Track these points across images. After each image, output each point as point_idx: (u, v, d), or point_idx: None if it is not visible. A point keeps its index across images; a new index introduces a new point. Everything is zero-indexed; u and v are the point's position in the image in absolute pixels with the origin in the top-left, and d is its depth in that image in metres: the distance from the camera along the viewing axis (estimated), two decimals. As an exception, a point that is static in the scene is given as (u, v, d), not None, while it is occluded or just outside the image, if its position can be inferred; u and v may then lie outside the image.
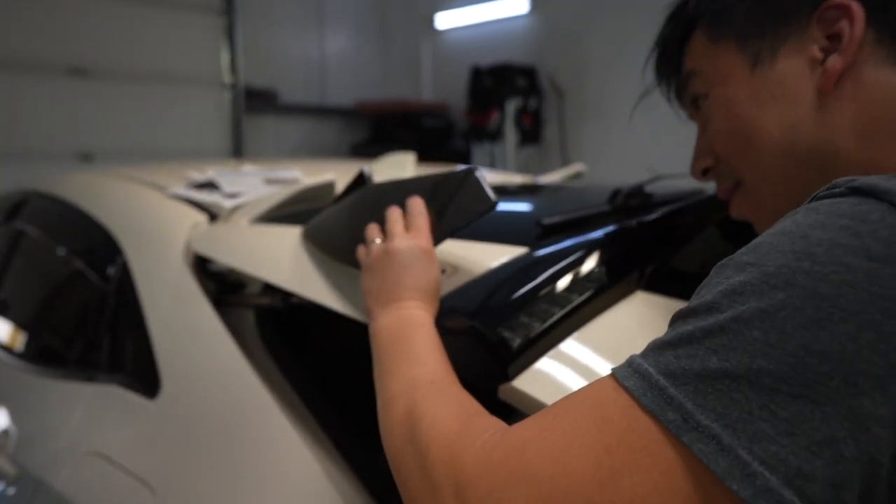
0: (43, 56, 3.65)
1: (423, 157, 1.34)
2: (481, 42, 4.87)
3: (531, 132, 4.38)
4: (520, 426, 0.35)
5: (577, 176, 1.45)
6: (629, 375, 0.32)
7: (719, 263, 0.34)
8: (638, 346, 0.41)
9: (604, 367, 0.52)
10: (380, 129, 5.04)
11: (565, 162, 4.12)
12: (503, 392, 0.53)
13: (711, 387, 0.29)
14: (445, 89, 5.10)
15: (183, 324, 0.82)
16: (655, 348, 0.33)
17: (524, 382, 0.51)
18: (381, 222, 0.63)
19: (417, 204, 0.61)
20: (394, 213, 0.62)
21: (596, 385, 0.34)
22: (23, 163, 3.53)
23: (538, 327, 0.53)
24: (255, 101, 4.59)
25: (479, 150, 4.52)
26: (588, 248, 0.60)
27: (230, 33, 4.42)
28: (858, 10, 0.43)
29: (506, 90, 4.30)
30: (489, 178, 1.47)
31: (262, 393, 0.71)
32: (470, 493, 0.33)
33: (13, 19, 3.52)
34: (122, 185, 1.17)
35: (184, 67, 4.26)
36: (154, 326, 0.84)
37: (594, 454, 0.31)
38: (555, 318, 0.53)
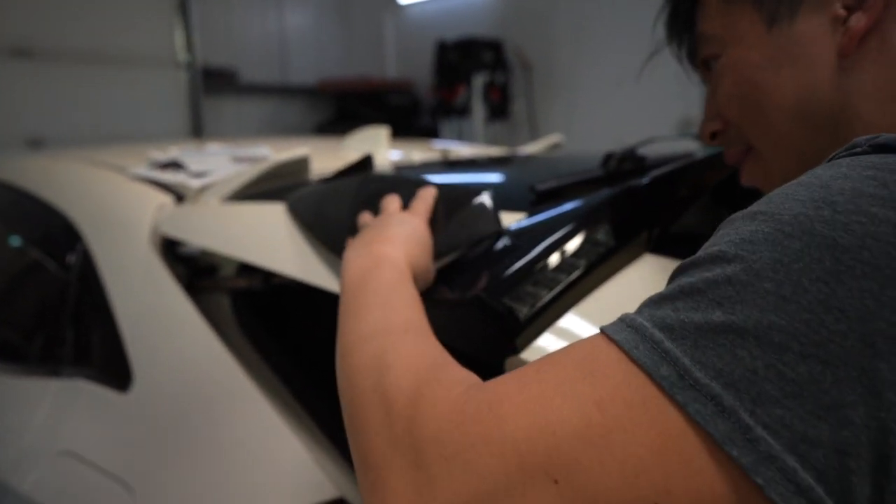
0: None
1: (391, 135, 1.30)
2: (445, 16, 4.79)
3: (499, 107, 4.35)
4: (496, 381, 0.31)
5: (556, 147, 1.43)
6: (620, 329, 0.29)
7: (728, 218, 0.32)
8: None
9: None
10: (344, 107, 4.93)
11: (534, 137, 4.11)
12: (511, 366, 0.50)
13: (713, 341, 0.26)
14: (410, 65, 5.01)
15: (153, 311, 0.77)
16: (651, 303, 0.30)
17: (534, 354, 0.49)
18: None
19: (429, 191, 0.59)
20: (391, 198, 0.60)
21: (582, 341, 0.31)
22: None
23: (546, 296, 0.50)
24: (214, 81, 4.43)
25: (446, 127, 4.47)
26: (591, 212, 0.58)
27: (184, 10, 4.23)
28: None
29: (472, 65, 4.25)
30: (463, 151, 1.44)
31: (242, 379, 0.68)
32: (434, 451, 0.28)
33: None
34: (78, 168, 1.10)
35: (136, 46, 4.07)
36: (122, 316, 0.79)
37: (582, 409, 0.27)
38: (562, 285, 0.51)
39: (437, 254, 0.56)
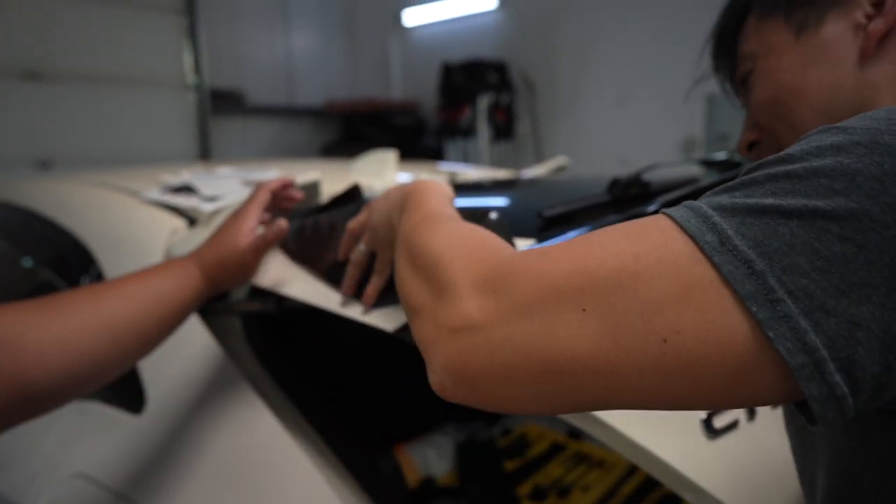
0: None
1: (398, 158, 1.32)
2: (450, 38, 4.86)
3: (504, 128, 4.38)
4: (546, 244, 0.36)
5: (561, 169, 1.44)
6: (678, 210, 0.32)
7: (805, 134, 0.34)
8: None
9: None
10: (350, 128, 4.98)
11: (539, 157, 4.14)
12: None
13: (759, 219, 0.29)
14: (416, 87, 5.07)
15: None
16: (713, 193, 0.32)
17: None
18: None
19: None
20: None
21: (641, 217, 0.34)
22: None
23: None
24: (222, 102, 4.49)
25: (451, 147, 4.50)
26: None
27: (192, 33, 4.31)
28: None
29: (477, 86, 4.30)
30: (469, 173, 1.45)
31: (254, 402, 0.68)
32: (498, 280, 0.34)
33: None
34: (91, 191, 1.12)
35: (145, 69, 4.14)
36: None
37: (619, 258, 0.31)
38: None
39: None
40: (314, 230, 0.74)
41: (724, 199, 0.31)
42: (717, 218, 0.30)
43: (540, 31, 4.34)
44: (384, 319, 0.58)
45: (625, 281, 0.30)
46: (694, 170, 1.09)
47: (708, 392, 0.29)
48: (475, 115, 4.30)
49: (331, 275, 0.65)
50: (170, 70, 4.27)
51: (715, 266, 0.29)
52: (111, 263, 0.90)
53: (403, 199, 0.52)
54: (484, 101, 4.27)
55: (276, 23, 4.99)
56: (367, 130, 4.74)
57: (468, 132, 4.37)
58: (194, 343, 0.74)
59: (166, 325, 0.61)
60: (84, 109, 3.84)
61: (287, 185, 0.74)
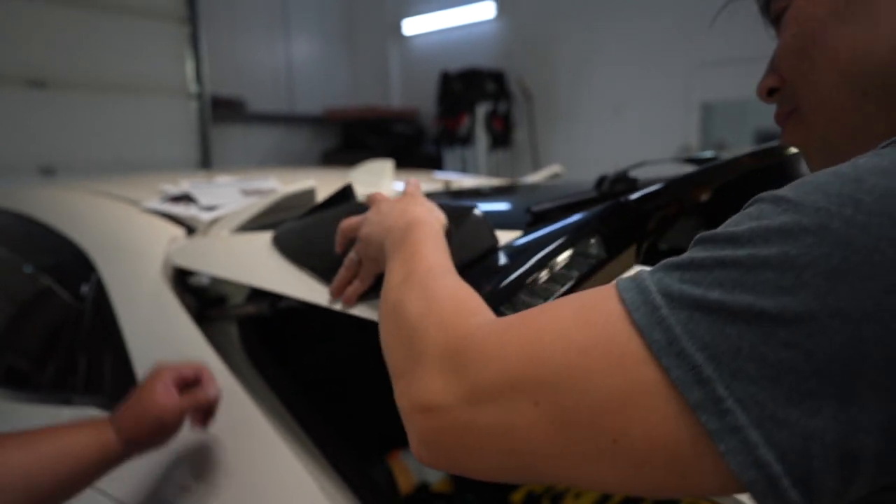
0: (0, 68, 3.53)
1: (396, 164, 1.33)
2: (449, 47, 4.89)
3: (502, 136, 4.41)
4: (509, 316, 0.37)
5: (555, 177, 1.46)
6: (629, 287, 0.32)
7: (758, 196, 0.32)
8: None
9: None
10: (350, 136, 5.01)
11: (536, 165, 4.16)
12: None
13: (706, 317, 0.28)
14: (415, 95, 5.10)
15: (164, 341, 0.80)
16: (665, 267, 0.32)
17: None
18: None
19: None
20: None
21: (595, 290, 0.34)
22: None
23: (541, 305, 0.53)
24: (223, 110, 4.53)
25: (450, 155, 4.53)
26: (582, 227, 0.60)
27: (194, 41, 4.34)
28: None
29: (475, 94, 4.33)
30: (465, 182, 1.47)
31: (250, 408, 0.70)
32: (459, 360, 0.36)
33: None
34: (93, 200, 1.14)
35: (147, 77, 4.17)
36: (133, 345, 0.81)
37: (567, 352, 0.31)
38: (556, 295, 0.53)
39: None
40: (308, 230, 0.76)
41: (673, 283, 0.30)
42: (665, 311, 0.29)
43: (537, 40, 4.38)
44: (372, 311, 0.60)
45: (574, 377, 0.31)
46: (683, 168, 1.11)
47: (659, 487, 0.30)
48: (473, 124, 4.32)
49: (323, 272, 0.67)
50: (172, 78, 4.30)
51: (662, 368, 0.28)
52: (111, 272, 0.91)
53: (401, 232, 0.53)
54: (482, 110, 4.30)
55: (276, 31, 5.03)
56: (367, 138, 4.77)
57: (466, 140, 4.39)
58: (191, 350, 0.76)
59: (67, 486, 0.60)
60: (87, 117, 3.87)
61: (205, 399, 0.68)
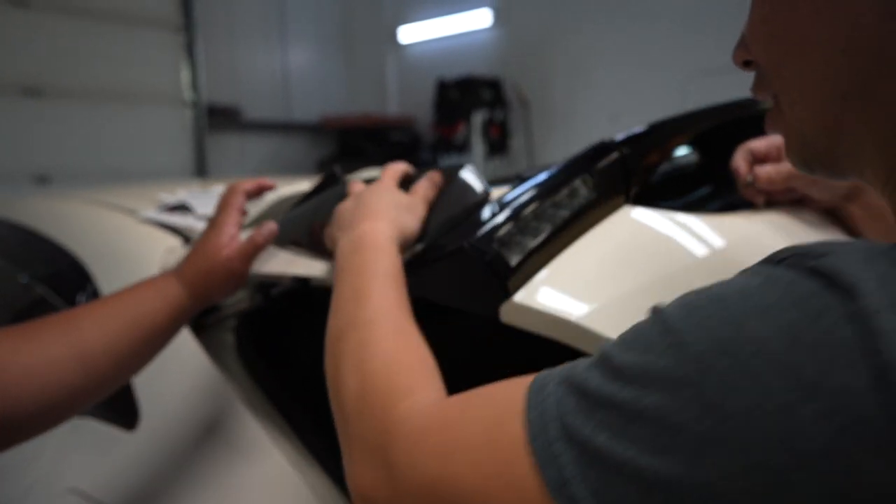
0: None
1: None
2: (446, 55, 4.92)
3: (498, 143, 4.43)
4: (438, 406, 0.38)
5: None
6: (535, 405, 0.32)
7: (655, 308, 0.32)
8: (629, 258, 0.49)
9: (599, 278, 0.54)
10: (346, 143, 5.03)
11: (532, 172, 4.18)
12: (505, 313, 0.52)
13: (595, 463, 0.29)
14: (411, 103, 5.12)
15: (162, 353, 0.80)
16: (568, 381, 0.32)
17: (527, 295, 0.51)
18: None
19: (435, 173, 0.65)
20: (389, 168, 0.66)
21: (507, 394, 0.34)
22: None
23: (532, 243, 0.53)
24: (218, 118, 4.54)
25: (446, 163, 4.55)
26: (571, 168, 0.60)
27: (190, 49, 4.36)
28: None
29: (472, 102, 4.35)
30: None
31: (245, 417, 0.70)
32: (376, 461, 0.38)
33: None
34: (89, 210, 1.14)
35: (143, 85, 4.18)
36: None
37: (475, 475, 0.33)
38: (546, 233, 0.54)
39: (433, 231, 0.60)
40: (298, 216, 0.76)
41: (569, 412, 0.30)
42: (559, 446, 0.30)
43: (534, 48, 4.40)
44: None
45: (478, 501, 0.33)
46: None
47: None
48: (470, 131, 4.34)
49: (317, 247, 0.67)
50: (167, 86, 4.31)
51: None
52: (107, 281, 0.92)
53: (352, 244, 0.53)
54: (478, 118, 4.32)
55: (273, 39, 5.05)
56: (363, 146, 4.78)
57: (463, 148, 4.41)
58: (187, 358, 0.76)
59: (146, 349, 0.59)
60: (82, 125, 3.87)
61: (263, 187, 0.72)
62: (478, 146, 4.33)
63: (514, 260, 0.52)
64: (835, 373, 0.24)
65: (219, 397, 0.71)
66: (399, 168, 0.67)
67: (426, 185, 0.64)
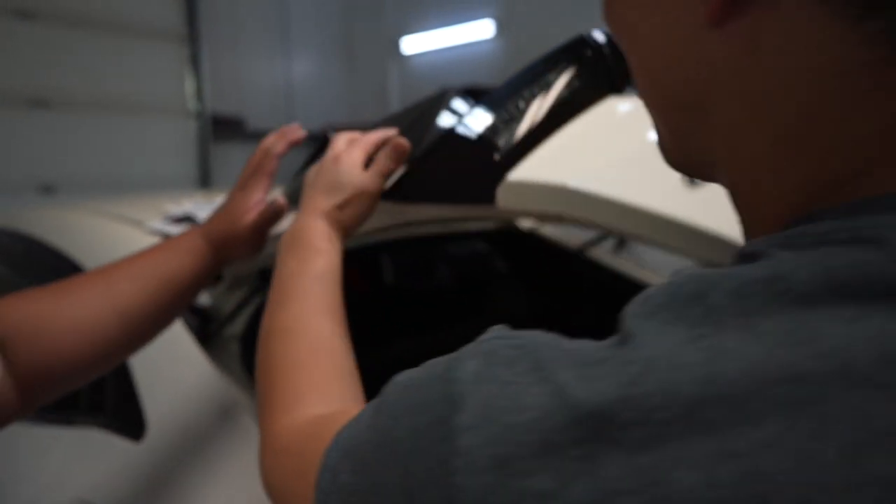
0: (1, 87, 3.57)
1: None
2: (448, 66, 4.95)
3: (500, 153, 4.44)
4: (300, 432, 0.39)
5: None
6: (323, 469, 0.32)
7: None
8: (613, 141, 0.49)
9: (590, 152, 0.55)
10: (349, 153, 5.04)
11: (535, 181, 4.18)
12: (502, 196, 0.54)
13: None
14: (414, 113, 5.14)
15: (166, 361, 0.80)
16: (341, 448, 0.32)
17: (521, 174, 0.54)
18: None
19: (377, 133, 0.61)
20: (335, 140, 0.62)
21: (325, 436, 0.34)
22: None
23: (519, 127, 0.55)
24: (222, 128, 4.56)
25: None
26: (556, 58, 0.61)
27: (195, 60, 4.39)
28: None
29: (474, 112, 4.36)
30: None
31: (252, 428, 0.70)
32: (262, 463, 0.41)
33: None
34: (96, 221, 1.15)
35: (148, 96, 4.21)
36: (136, 364, 0.82)
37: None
38: (531, 117, 0.56)
39: (419, 153, 0.59)
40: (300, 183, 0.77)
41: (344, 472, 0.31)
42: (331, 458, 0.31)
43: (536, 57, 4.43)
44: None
45: None
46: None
47: None
48: (472, 141, 4.35)
49: None
50: (172, 97, 4.34)
51: None
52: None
53: (291, 235, 0.54)
54: (481, 127, 4.32)
55: (276, 50, 5.09)
56: (366, 155, 4.80)
57: (465, 157, 4.42)
58: (193, 369, 0.77)
59: (177, 306, 0.61)
60: (87, 135, 3.90)
61: (293, 143, 0.70)
62: (480, 156, 4.34)
63: (502, 141, 0.54)
64: (424, 496, 0.24)
65: (224, 408, 0.71)
66: (371, 140, 0.60)
67: (385, 161, 0.57)
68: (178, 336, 0.80)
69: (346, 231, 0.56)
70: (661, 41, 0.29)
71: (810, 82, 0.24)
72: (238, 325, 0.91)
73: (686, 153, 0.33)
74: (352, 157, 0.57)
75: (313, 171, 0.60)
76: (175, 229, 1.02)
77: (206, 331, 0.86)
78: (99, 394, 0.86)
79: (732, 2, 0.25)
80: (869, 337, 0.20)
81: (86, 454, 0.81)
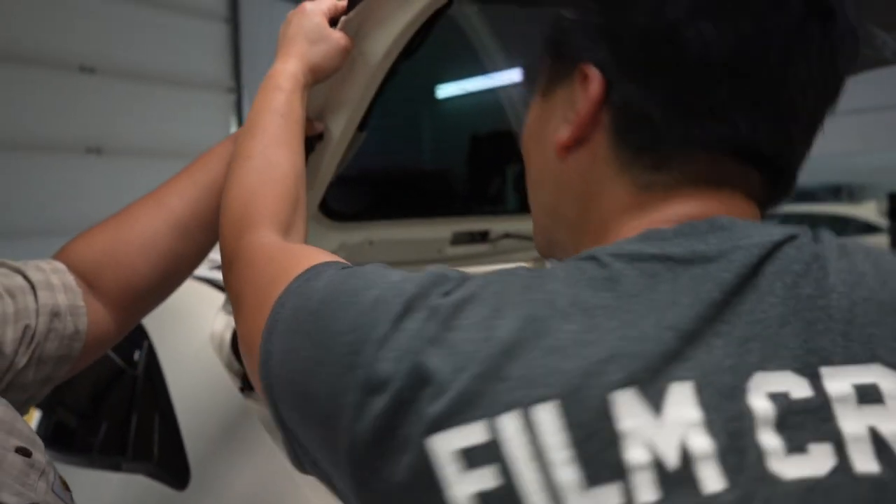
0: (56, 53, 3.76)
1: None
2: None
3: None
4: (262, 248, 0.47)
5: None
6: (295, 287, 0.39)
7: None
8: None
9: None
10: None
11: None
12: None
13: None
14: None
15: (211, 409, 0.82)
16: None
17: None
18: None
19: None
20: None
21: (296, 264, 0.41)
22: (33, 154, 3.63)
23: None
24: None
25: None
26: None
27: (238, 107, 4.59)
28: (596, 84, 0.36)
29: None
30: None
31: (295, 479, 0.70)
32: (229, 272, 0.49)
33: (29, 18, 3.64)
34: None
35: (196, 141, 4.37)
36: (181, 413, 0.83)
37: (252, 299, 0.44)
38: None
39: None
40: None
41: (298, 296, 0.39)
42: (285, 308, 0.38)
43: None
44: None
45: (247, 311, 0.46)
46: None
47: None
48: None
49: None
50: (213, 72, 4.52)
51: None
52: (163, 338, 0.95)
53: (265, 80, 0.58)
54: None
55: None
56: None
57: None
58: (237, 420, 0.77)
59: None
60: (139, 179, 4.05)
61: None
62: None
63: None
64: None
65: (267, 459, 0.72)
66: (325, 2, 0.62)
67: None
68: (222, 385, 0.82)
69: (315, 73, 0.60)
70: (537, 164, 0.43)
71: (601, 192, 0.38)
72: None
73: (548, 244, 0.45)
74: (318, 8, 0.61)
75: (283, 26, 0.63)
76: (219, 275, 1.04)
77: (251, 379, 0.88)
78: (147, 442, 0.88)
79: (567, 148, 0.38)
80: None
81: (131, 499, 0.82)
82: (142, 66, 4.10)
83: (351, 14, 0.58)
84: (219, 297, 0.99)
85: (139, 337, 0.98)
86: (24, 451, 0.44)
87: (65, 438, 1.07)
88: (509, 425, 0.28)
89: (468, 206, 1.41)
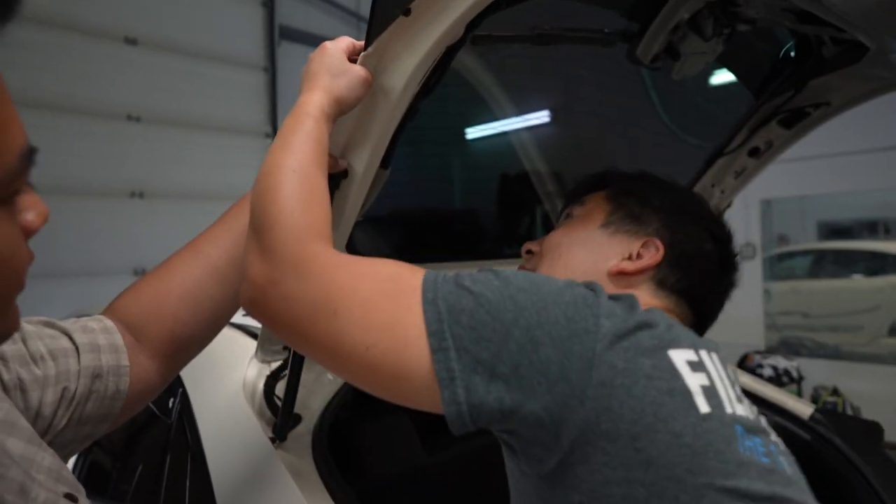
0: (104, 104, 3.94)
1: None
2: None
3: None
4: (348, 257, 0.52)
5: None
6: (430, 284, 0.49)
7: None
8: None
9: None
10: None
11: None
12: None
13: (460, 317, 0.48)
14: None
15: (242, 459, 0.82)
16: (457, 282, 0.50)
17: None
18: None
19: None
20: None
21: (408, 275, 0.50)
22: (79, 198, 3.80)
23: None
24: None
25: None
26: None
27: (272, 88, 4.75)
28: (661, 254, 0.66)
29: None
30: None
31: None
32: (289, 267, 0.52)
33: (82, 71, 3.85)
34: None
35: (235, 185, 4.53)
36: (212, 462, 0.84)
37: (371, 293, 0.49)
38: None
39: None
40: None
41: (451, 293, 0.49)
42: (441, 302, 0.48)
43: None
44: None
45: (363, 312, 0.50)
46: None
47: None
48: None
49: None
50: (250, 119, 4.68)
51: (428, 336, 0.47)
52: (197, 385, 0.96)
53: (293, 110, 0.60)
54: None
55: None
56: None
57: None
58: (267, 472, 0.78)
59: None
60: (179, 222, 4.21)
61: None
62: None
63: None
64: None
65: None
66: (344, 41, 0.66)
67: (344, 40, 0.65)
68: (254, 436, 0.82)
69: (340, 104, 0.62)
70: (579, 265, 0.69)
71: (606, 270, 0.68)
72: (311, 420, 0.93)
73: None
74: (338, 46, 0.65)
75: (307, 65, 0.66)
76: (252, 321, 1.06)
77: (283, 430, 0.88)
78: (179, 491, 0.89)
79: (623, 273, 0.67)
80: None
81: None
82: (184, 114, 4.29)
83: (369, 50, 0.61)
84: (251, 345, 1.00)
85: (174, 384, 0.99)
86: (72, 498, 0.46)
87: (99, 483, 1.09)
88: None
89: (497, 249, 1.41)
